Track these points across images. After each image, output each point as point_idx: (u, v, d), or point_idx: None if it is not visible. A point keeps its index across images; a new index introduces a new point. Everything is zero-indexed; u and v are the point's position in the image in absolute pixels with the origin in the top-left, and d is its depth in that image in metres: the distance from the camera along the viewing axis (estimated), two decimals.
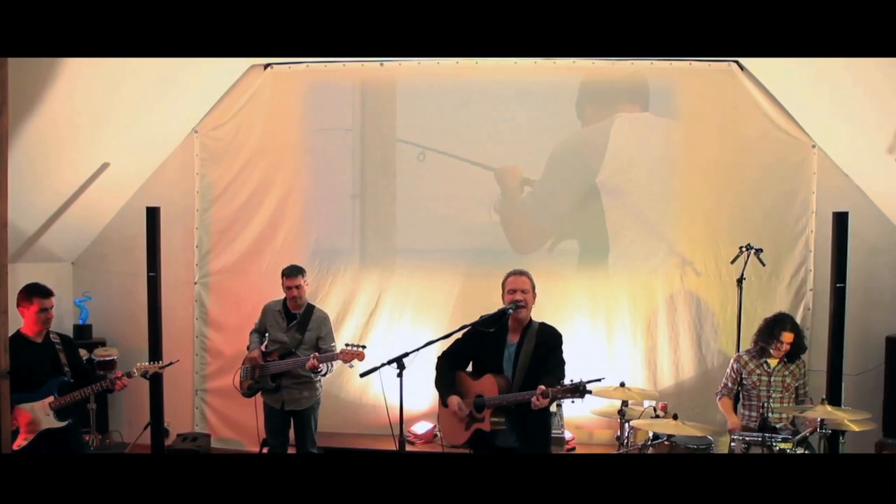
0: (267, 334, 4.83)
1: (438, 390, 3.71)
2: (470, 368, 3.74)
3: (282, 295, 4.80)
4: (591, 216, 5.68)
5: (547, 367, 3.47)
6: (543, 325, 3.62)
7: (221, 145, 5.91)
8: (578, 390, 3.25)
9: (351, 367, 4.67)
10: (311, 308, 4.80)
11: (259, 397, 4.79)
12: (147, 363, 4.36)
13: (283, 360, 4.62)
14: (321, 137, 5.89)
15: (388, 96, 5.84)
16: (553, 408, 5.00)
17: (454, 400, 3.60)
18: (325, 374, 4.74)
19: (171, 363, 4.49)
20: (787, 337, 4.49)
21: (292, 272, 4.69)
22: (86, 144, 5.02)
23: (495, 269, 4.19)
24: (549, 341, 3.57)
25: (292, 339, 4.68)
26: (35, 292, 3.96)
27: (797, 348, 4.55)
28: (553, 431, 5.08)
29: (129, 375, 4.16)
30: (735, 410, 4.68)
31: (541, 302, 3.76)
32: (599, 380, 3.36)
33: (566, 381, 3.34)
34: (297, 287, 4.67)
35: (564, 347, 3.60)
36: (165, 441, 5.40)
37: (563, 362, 3.56)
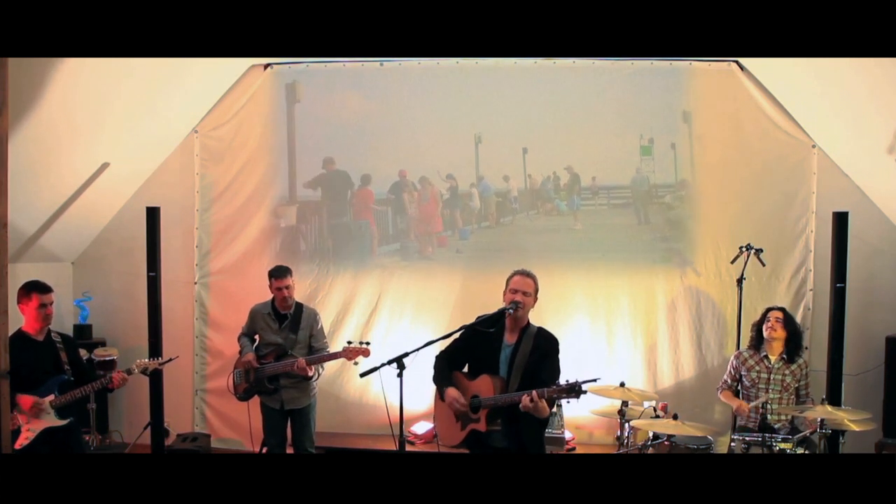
0: (257, 337, 4.83)
1: (436, 384, 3.70)
2: (466, 370, 3.73)
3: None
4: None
5: (542, 375, 3.42)
6: (541, 330, 3.60)
7: (221, 145, 5.91)
8: (574, 391, 3.22)
9: (356, 363, 4.67)
10: (300, 306, 4.79)
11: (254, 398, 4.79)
12: (147, 360, 4.37)
13: (280, 362, 4.62)
14: (321, 137, 5.89)
15: (395, 95, 5.82)
16: (553, 408, 5.02)
17: (452, 392, 3.57)
18: (316, 379, 4.74)
19: (170, 359, 4.52)
20: (776, 313, 4.57)
21: (281, 273, 4.68)
22: (86, 144, 5.02)
23: (495, 269, 4.18)
24: (545, 346, 3.54)
25: (287, 340, 4.68)
26: (34, 288, 3.97)
27: (790, 330, 4.57)
28: (553, 431, 5.10)
29: (129, 372, 4.16)
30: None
31: (541, 302, 3.76)
32: (595, 380, 3.33)
33: (562, 382, 3.32)
34: (287, 287, 4.66)
35: (562, 348, 3.58)
36: (165, 441, 5.40)
37: (558, 372, 3.51)
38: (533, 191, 5.76)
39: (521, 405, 3.27)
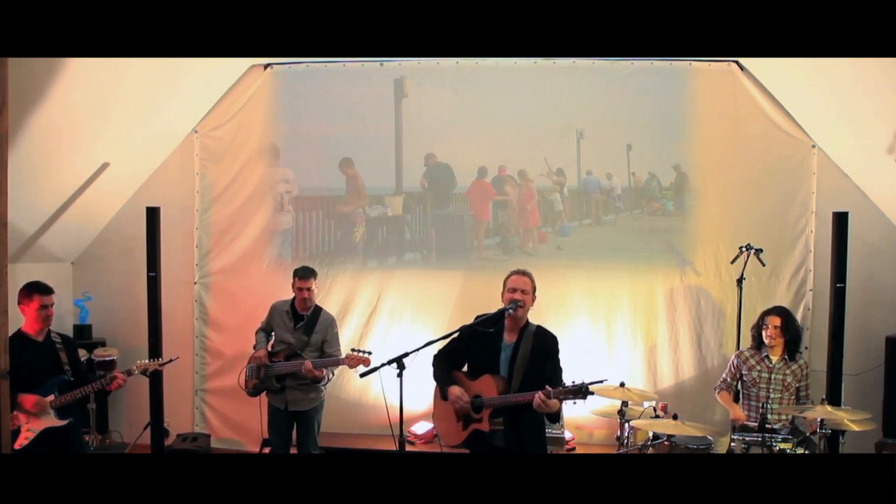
0: (273, 334, 4.83)
1: (438, 382, 3.70)
2: (465, 370, 3.73)
3: (284, 295, 4.79)
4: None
5: (544, 374, 3.44)
6: (541, 329, 3.61)
7: (221, 145, 5.91)
8: (581, 392, 3.24)
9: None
10: (318, 310, 4.78)
11: (262, 396, 4.78)
12: (147, 361, 4.37)
13: (287, 362, 4.62)
14: (322, 137, 5.88)
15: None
16: None
17: (455, 389, 3.57)
18: (326, 383, 4.72)
19: (170, 360, 4.53)
20: (773, 321, 4.55)
21: (306, 273, 4.67)
22: (86, 144, 5.01)
23: (494, 268, 4.13)
24: (545, 345, 3.55)
25: (298, 341, 4.67)
26: (35, 289, 3.98)
27: (790, 333, 4.57)
28: (553, 431, 5.09)
29: (129, 373, 4.18)
30: None
31: (541, 302, 3.76)
32: (601, 381, 3.36)
33: (568, 383, 3.34)
34: (309, 289, 4.66)
35: (563, 348, 3.59)
36: (165, 441, 5.40)
37: (560, 370, 3.54)
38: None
39: (534, 405, 3.29)
